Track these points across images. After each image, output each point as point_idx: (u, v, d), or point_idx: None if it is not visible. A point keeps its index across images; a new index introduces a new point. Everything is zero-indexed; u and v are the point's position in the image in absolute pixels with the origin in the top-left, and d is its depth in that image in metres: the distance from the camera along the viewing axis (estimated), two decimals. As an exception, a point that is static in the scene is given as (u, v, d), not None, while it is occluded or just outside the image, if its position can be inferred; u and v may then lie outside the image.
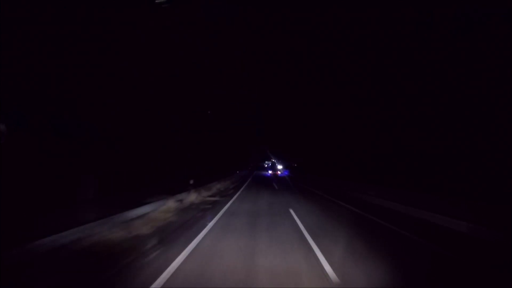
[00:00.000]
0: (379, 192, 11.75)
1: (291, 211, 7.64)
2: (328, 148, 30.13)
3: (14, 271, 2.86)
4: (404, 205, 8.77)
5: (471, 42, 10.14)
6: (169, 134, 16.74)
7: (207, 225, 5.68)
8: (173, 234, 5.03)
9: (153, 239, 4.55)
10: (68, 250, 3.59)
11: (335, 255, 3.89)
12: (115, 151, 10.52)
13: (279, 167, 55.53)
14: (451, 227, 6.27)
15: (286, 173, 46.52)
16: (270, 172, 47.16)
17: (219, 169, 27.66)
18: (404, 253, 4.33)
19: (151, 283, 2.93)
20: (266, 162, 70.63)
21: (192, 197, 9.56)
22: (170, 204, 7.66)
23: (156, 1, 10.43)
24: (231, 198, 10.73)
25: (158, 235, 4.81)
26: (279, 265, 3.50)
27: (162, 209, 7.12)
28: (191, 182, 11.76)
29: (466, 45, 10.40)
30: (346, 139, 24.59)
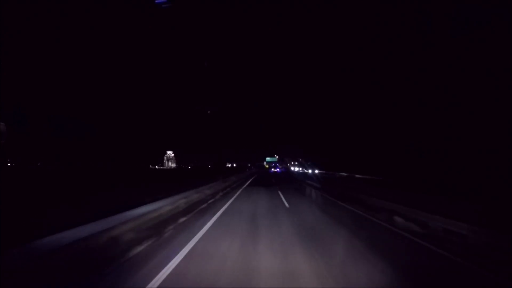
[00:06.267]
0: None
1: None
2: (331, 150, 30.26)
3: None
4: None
5: (471, 42, 10.15)
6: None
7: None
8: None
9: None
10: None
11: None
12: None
13: (293, 169, 54.33)
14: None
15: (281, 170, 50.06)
16: (272, 170, 47.56)
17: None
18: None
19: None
20: (268, 159, 62.90)
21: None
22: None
23: (156, 1, 10.46)
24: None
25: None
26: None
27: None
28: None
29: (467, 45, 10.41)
30: (347, 141, 24.64)
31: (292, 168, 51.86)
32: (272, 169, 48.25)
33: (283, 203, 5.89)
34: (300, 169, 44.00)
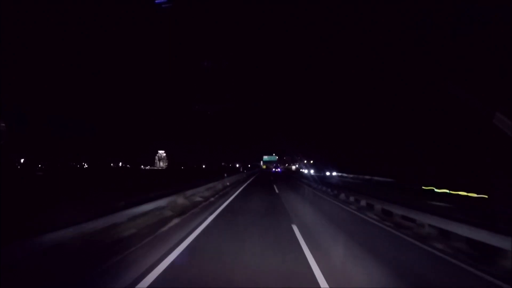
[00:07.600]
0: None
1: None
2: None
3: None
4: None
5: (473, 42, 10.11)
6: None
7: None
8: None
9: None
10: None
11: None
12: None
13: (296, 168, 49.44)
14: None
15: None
16: (274, 170, 45.99)
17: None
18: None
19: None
20: (265, 158, 53.98)
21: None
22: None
23: (156, 1, 10.41)
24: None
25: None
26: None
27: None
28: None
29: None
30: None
31: (305, 171, 38.77)
32: (274, 169, 46.05)
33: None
34: (323, 172, 31.10)
